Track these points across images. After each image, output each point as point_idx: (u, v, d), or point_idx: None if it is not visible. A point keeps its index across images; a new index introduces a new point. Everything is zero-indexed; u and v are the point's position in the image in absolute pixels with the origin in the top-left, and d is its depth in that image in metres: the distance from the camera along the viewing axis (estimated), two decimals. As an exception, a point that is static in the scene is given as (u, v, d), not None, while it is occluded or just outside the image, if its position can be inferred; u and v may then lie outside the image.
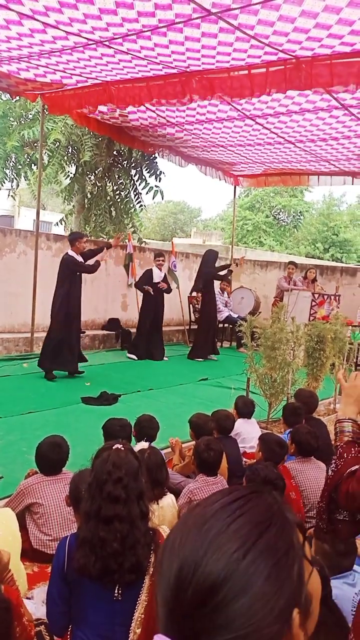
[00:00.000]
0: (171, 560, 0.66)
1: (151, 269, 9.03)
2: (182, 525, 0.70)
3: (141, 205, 12.49)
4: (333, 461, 2.10)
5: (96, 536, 1.83)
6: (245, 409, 4.83)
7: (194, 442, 3.81)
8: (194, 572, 0.63)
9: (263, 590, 0.62)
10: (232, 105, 6.84)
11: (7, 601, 1.80)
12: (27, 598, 2.58)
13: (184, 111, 7.35)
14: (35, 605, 2.46)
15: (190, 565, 0.64)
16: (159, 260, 8.98)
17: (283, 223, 31.04)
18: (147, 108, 7.32)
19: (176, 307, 11.33)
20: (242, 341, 6.77)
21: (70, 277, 6.99)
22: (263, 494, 0.73)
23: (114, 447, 1.97)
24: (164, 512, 2.91)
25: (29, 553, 3.02)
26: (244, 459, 4.34)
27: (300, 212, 30.72)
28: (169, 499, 2.99)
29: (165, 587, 0.65)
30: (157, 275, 8.93)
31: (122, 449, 1.97)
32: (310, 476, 3.68)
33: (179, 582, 0.64)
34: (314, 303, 9.50)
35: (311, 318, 9.08)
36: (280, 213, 30.98)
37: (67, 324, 6.97)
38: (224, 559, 0.63)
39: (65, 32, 5.18)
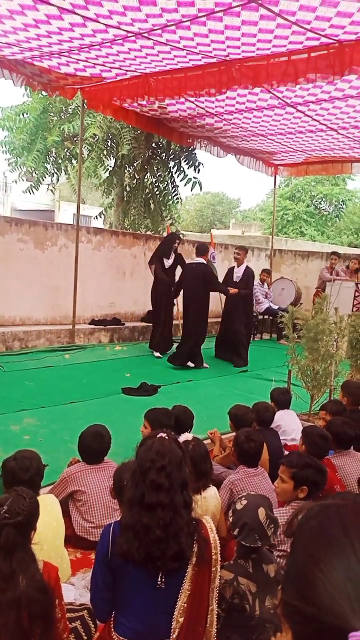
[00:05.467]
0: None
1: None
2: None
3: (178, 198, 12.46)
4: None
5: (139, 522, 1.85)
6: (282, 397, 4.79)
7: (233, 434, 3.81)
8: None
9: None
10: (273, 94, 6.73)
11: (47, 584, 1.83)
12: (71, 584, 2.64)
13: (223, 101, 7.28)
14: (79, 591, 2.51)
15: None
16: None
17: (324, 212, 30.44)
18: (186, 99, 7.28)
19: (215, 299, 11.26)
20: (284, 333, 6.69)
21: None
22: None
23: (157, 436, 1.98)
24: (207, 502, 2.91)
25: (72, 539, 3.09)
26: (285, 452, 4.30)
27: (342, 200, 30.05)
28: (212, 490, 2.99)
29: None
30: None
31: (166, 437, 1.98)
32: (351, 470, 3.62)
33: None
34: (357, 293, 9.33)
35: (355, 309, 8.92)
36: (322, 202, 30.40)
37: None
38: None
39: (105, 25, 5.20)
